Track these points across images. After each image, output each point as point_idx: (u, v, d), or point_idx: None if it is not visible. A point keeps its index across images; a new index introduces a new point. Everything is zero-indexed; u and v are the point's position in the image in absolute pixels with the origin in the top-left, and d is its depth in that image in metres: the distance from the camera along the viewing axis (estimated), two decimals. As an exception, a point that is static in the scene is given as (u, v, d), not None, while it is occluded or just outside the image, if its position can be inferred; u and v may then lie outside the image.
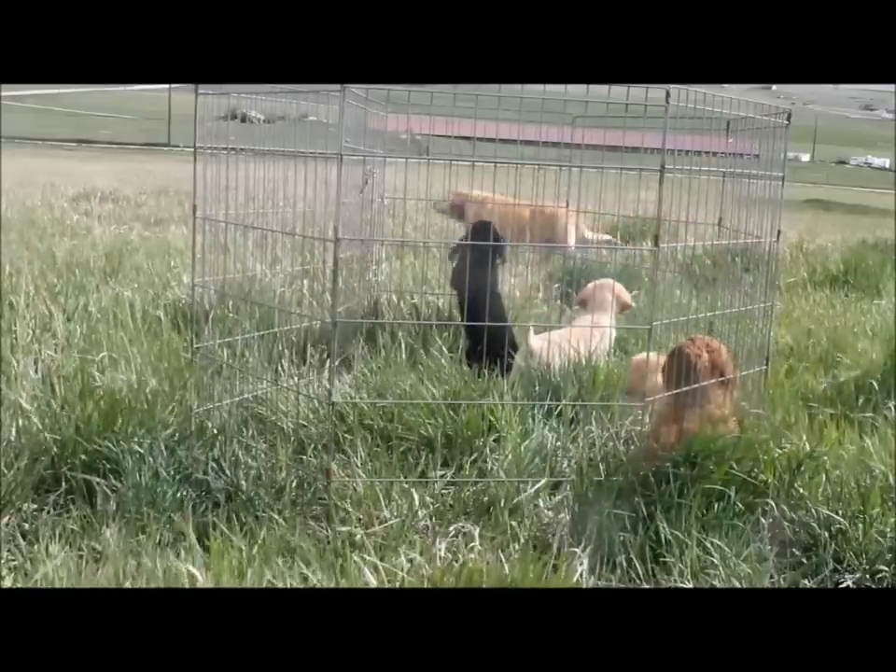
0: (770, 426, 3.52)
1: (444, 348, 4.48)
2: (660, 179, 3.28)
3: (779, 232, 4.02)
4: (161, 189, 16.02)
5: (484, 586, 2.56)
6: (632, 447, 3.51)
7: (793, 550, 2.98)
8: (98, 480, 3.04)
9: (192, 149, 3.62)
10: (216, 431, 3.44)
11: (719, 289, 4.24)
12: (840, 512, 3.04)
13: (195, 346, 3.80)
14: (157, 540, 2.78)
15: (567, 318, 5.38)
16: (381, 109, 4.98)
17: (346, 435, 3.52)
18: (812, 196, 32.61)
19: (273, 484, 3.17)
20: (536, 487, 3.25)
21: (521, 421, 3.63)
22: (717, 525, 2.96)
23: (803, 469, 3.26)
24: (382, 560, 2.72)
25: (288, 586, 2.58)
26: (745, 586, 2.76)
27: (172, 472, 3.09)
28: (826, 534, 2.98)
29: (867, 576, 2.87)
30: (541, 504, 3.24)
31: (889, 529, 2.96)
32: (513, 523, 3.05)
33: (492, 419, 3.60)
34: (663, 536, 2.89)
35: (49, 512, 2.96)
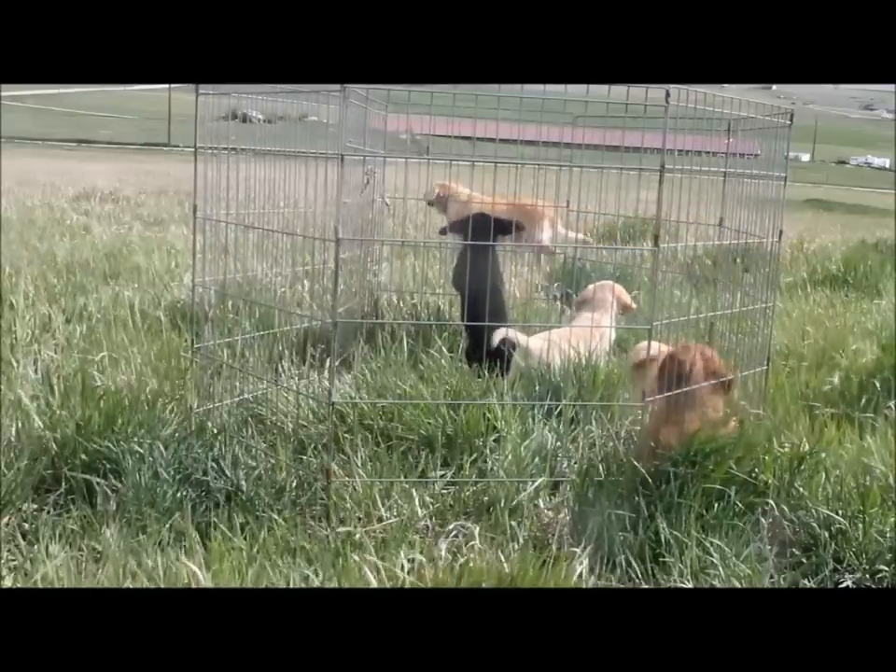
0: (770, 426, 3.52)
1: (444, 348, 4.48)
2: (660, 179, 3.28)
3: (781, 232, 4.02)
4: (161, 189, 16.04)
5: (484, 586, 2.56)
6: (631, 447, 3.50)
7: (793, 550, 2.98)
8: (98, 480, 3.04)
9: (192, 149, 3.62)
10: (216, 431, 3.44)
11: (719, 289, 4.24)
12: (840, 512, 3.04)
13: (195, 346, 3.80)
14: (157, 540, 2.77)
15: (567, 319, 5.38)
16: (381, 109, 4.98)
17: (346, 435, 3.52)
18: (812, 196, 32.64)
19: (274, 484, 3.16)
20: (535, 485, 3.25)
21: (521, 421, 3.63)
22: (717, 525, 2.96)
23: (803, 468, 3.26)
24: (382, 560, 2.72)
25: (289, 586, 2.58)
26: (745, 586, 2.76)
27: (172, 472, 3.08)
28: (826, 534, 2.98)
29: (867, 576, 2.87)
30: (541, 504, 3.24)
31: (888, 529, 2.96)
32: (513, 523, 3.05)
33: (492, 419, 3.60)
34: (662, 536, 2.89)
35: (48, 512, 2.96)
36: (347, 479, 3.26)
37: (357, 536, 2.89)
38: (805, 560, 2.94)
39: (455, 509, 3.19)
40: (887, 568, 2.87)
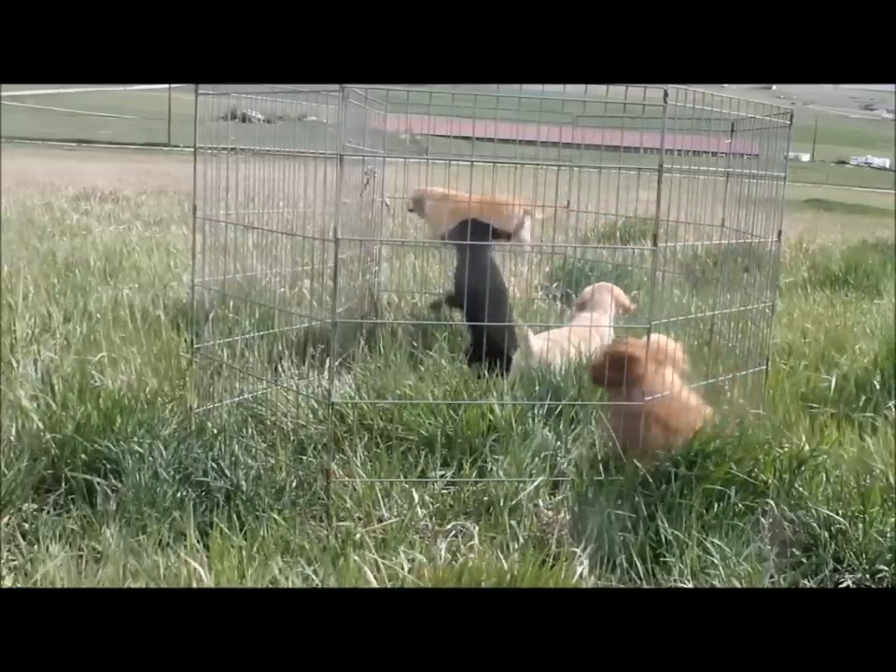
0: (770, 426, 3.52)
1: (445, 348, 4.48)
2: (658, 179, 3.28)
3: (780, 232, 4.02)
4: (160, 189, 16.04)
5: (484, 586, 2.56)
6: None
7: (793, 550, 2.98)
8: (98, 480, 3.04)
9: (192, 149, 3.62)
10: (215, 431, 3.44)
11: (719, 289, 4.24)
12: (840, 512, 3.04)
13: (195, 346, 3.80)
14: (157, 540, 2.78)
15: (566, 319, 5.38)
16: (380, 109, 4.98)
17: (346, 435, 3.53)
18: (812, 196, 32.65)
19: (273, 484, 3.16)
20: (535, 484, 3.25)
21: (521, 421, 3.63)
22: (717, 525, 2.96)
23: (803, 469, 3.26)
24: (382, 560, 2.72)
25: (289, 586, 2.58)
26: (745, 586, 2.76)
27: (172, 472, 3.08)
28: (826, 534, 2.98)
29: (867, 576, 2.87)
30: (541, 504, 3.24)
31: (889, 529, 2.96)
32: (513, 522, 3.05)
33: (492, 419, 3.60)
34: (663, 536, 2.89)
35: (49, 512, 2.96)
36: (347, 479, 3.26)
37: (357, 536, 2.89)
38: (805, 560, 2.94)
39: (454, 509, 3.19)
40: (887, 568, 2.86)
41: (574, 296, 5.53)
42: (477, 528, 2.98)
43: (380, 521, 3.03)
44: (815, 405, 4.32)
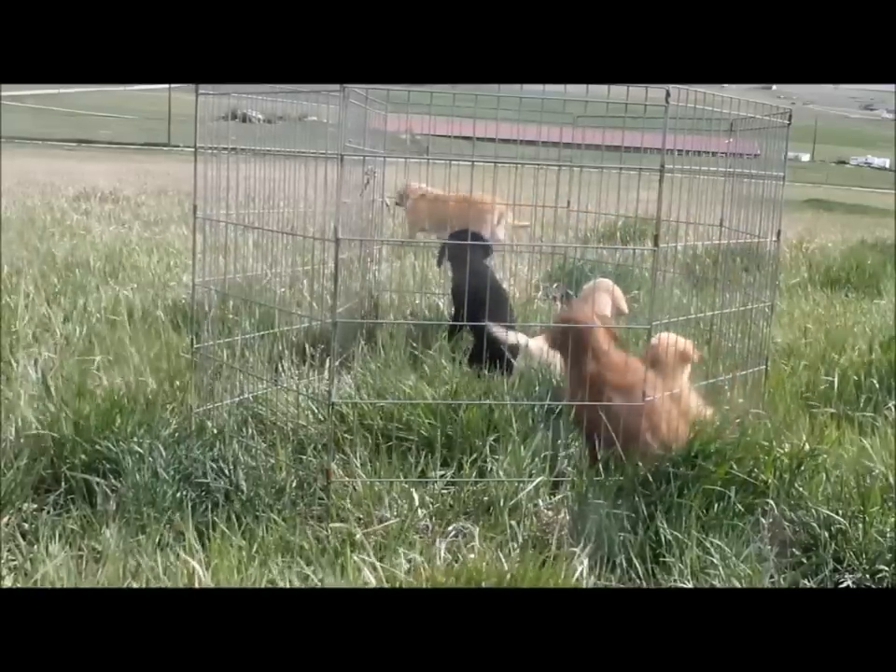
0: (770, 426, 3.52)
1: (445, 347, 4.47)
2: (660, 179, 3.28)
3: (779, 232, 4.02)
4: (160, 189, 16.04)
5: (484, 586, 2.56)
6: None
7: (793, 550, 2.98)
8: (98, 480, 3.04)
9: (192, 149, 3.62)
10: (215, 431, 3.44)
11: (719, 289, 4.24)
12: (840, 512, 3.04)
13: (195, 346, 3.80)
14: (157, 540, 2.77)
15: None
16: (381, 109, 4.98)
17: (346, 435, 3.52)
18: (812, 196, 32.66)
19: (273, 484, 3.16)
20: (535, 484, 3.25)
21: (521, 421, 3.63)
22: (717, 525, 2.96)
23: (803, 468, 3.26)
24: (381, 560, 2.72)
25: (288, 586, 2.58)
26: (745, 586, 2.76)
27: (171, 472, 3.09)
28: (826, 534, 2.98)
29: (867, 576, 2.87)
30: (541, 504, 3.24)
31: (889, 529, 2.96)
32: (513, 522, 3.05)
33: (492, 419, 3.60)
34: (663, 536, 2.89)
35: (48, 512, 2.96)
36: (347, 479, 3.26)
37: (357, 536, 2.89)
38: (805, 560, 2.94)
39: (455, 509, 3.19)
40: (887, 568, 2.86)
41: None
42: (477, 529, 2.98)
43: (380, 521, 3.03)
44: (815, 405, 4.32)
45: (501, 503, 3.16)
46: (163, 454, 3.14)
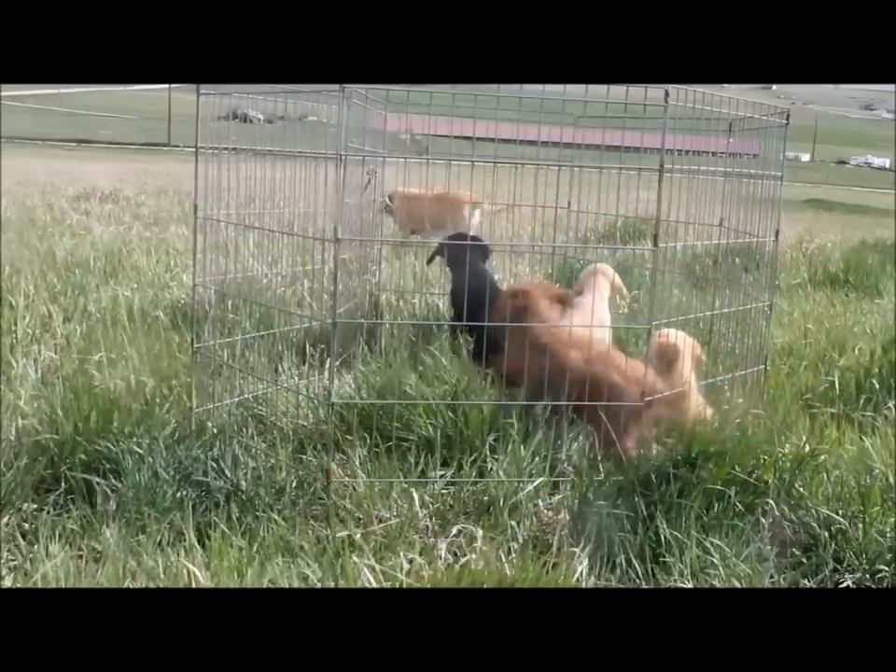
0: (770, 426, 3.52)
1: (446, 346, 4.47)
2: (659, 179, 3.28)
3: (778, 232, 4.02)
4: (160, 189, 16.04)
5: (484, 586, 2.56)
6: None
7: (793, 550, 2.98)
8: (98, 480, 3.04)
9: (192, 149, 3.62)
10: (215, 431, 3.44)
11: (719, 289, 4.24)
12: (840, 512, 3.04)
13: (195, 346, 3.80)
14: (157, 540, 2.78)
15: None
16: (381, 109, 4.98)
17: (346, 435, 3.52)
18: (812, 196, 32.67)
19: (273, 484, 3.16)
20: (535, 485, 3.25)
21: (521, 421, 3.63)
22: (717, 525, 2.96)
23: (803, 468, 3.26)
24: (381, 560, 2.72)
25: (288, 586, 2.58)
26: (745, 586, 2.76)
27: (171, 472, 3.09)
28: (826, 534, 2.98)
29: (867, 576, 2.87)
30: (541, 504, 3.24)
31: (889, 529, 2.96)
32: (513, 523, 3.05)
33: (491, 419, 3.60)
34: (662, 536, 2.89)
35: (48, 512, 2.96)
36: (347, 479, 3.26)
37: (357, 536, 2.89)
38: (805, 560, 2.94)
39: (455, 509, 3.19)
40: (887, 568, 2.86)
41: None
42: (478, 530, 2.98)
43: (380, 521, 3.03)
44: (815, 405, 4.32)
45: (501, 503, 3.16)
46: (163, 453, 3.14)
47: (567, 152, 4.60)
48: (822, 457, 3.32)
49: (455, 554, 2.87)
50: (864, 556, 2.91)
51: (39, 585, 2.53)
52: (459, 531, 3.01)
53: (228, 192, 3.70)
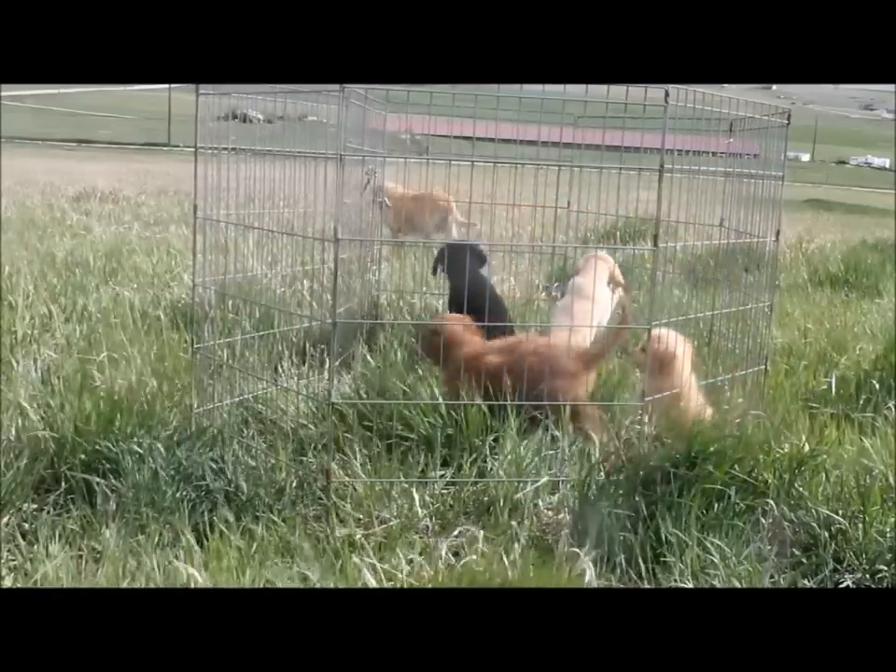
0: (770, 426, 3.52)
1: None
2: (659, 179, 3.28)
3: (778, 232, 4.02)
4: (160, 189, 16.04)
5: (484, 586, 2.56)
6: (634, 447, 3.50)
7: (793, 550, 2.98)
8: (98, 480, 3.04)
9: (192, 149, 3.62)
10: (215, 431, 3.44)
11: (719, 289, 4.24)
12: (840, 512, 3.04)
13: (195, 346, 3.80)
14: (156, 540, 2.77)
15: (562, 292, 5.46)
16: (381, 109, 4.98)
17: (346, 435, 3.52)
18: (812, 196, 32.67)
19: (273, 484, 3.16)
20: (536, 486, 3.25)
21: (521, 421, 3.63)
22: (717, 525, 2.96)
23: (803, 468, 3.26)
24: (381, 560, 2.72)
25: (288, 586, 2.58)
26: (745, 586, 2.76)
27: (171, 472, 3.08)
28: (826, 534, 2.98)
29: (867, 576, 2.87)
30: (541, 504, 3.24)
31: (889, 529, 2.96)
32: (513, 522, 3.05)
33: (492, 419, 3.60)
34: (663, 536, 2.89)
35: (48, 512, 2.95)
36: (347, 479, 3.26)
37: (358, 536, 2.89)
38: (805, 560, 2.94)
39: (455, 509, 3.19)
40: (887, 568, 2.86)
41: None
42: (478, 529, 2.98)
43: (380, 521, 3.03)
44: (815, 405, 4.32)
45: (501, 503, 3.16)
46: (163, 454, 3.14)
47: (567, 152, 4.60)
48: (822, 457, 3.32)
49: (456, 555, 2.87)
50: (864, 556, 2.91)
51: (39, 585, 2.53)
52: (460, 531, 3.01)
53: (227, 192, 3.70)
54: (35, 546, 2.72)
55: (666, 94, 3.22)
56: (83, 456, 3.14)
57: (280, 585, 2.58)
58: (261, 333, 4.24)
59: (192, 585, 2.54)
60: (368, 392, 3.95)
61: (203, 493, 3.10)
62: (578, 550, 2.83)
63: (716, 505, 3.01)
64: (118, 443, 3.15)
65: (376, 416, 3.56)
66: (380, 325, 4.85)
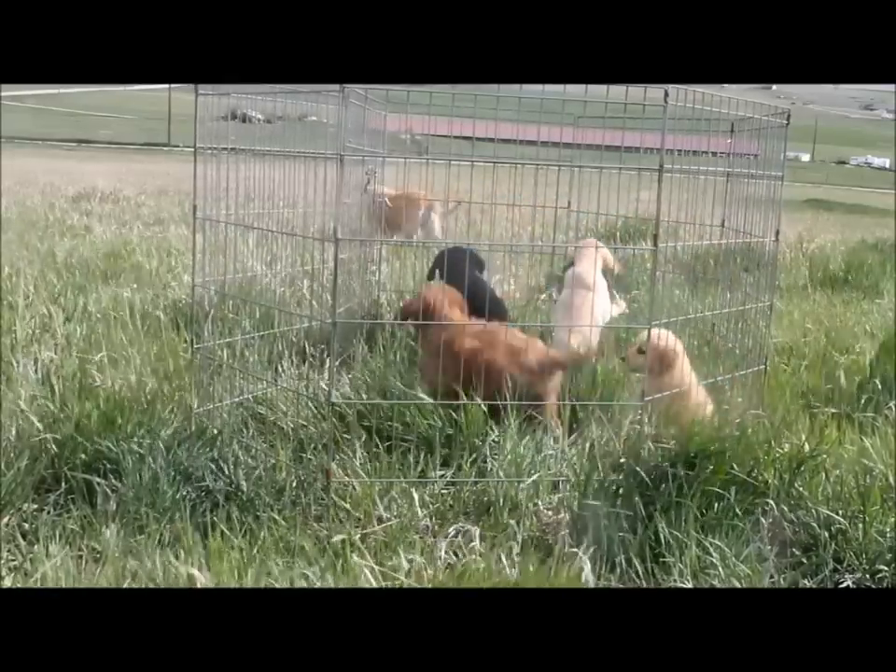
0: (770, 425, 3.52)
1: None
2: (659, 179, 3.28)
3: (778, 232, 4.02)
4: (160, 189, 16.04)
5: (484, 586, 2.56)
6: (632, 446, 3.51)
7: (793, 550, 2.98)
8: (98, 480, 3.04)
9: (192, 149, 3.62)
10: (216, 431, 3.44)
11: (718, 289, 4.24)
12: (840, 512, 3.04)
13: (195, 346, 3.80)
14: (157, 540, 2.77)
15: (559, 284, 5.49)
16: (380, 109, 4.98)
17: (346, 435, 3.52)
18: (812, 196, 32.66)
19: (274, 484, 3.16)
20: (535, 485, 3.25)
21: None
22: (717, 525, 2.96)
23: (803, 469, 3.26)
24: (381, 560, 2.72)
25: (288, 586, 2.58)
26: (745, 586, 2.76)
27: (172, 472, 3.08)
28: (826, 534, 2.98)
29: (867, 576, 2.87)
30: (541, 504, 3.24)
31: (889, 529, 2.96)
32: (513, 522, 3.05)
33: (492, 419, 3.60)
34: (662, 536, 2.89)
35: (49, 512, 2.96)
36: (347, 479, 3.26)
37: (357, 536, 2.89)
38: (805, 560, 2.94)
39: (454, 509, 3.19)
40: (887, 568, 2.86)
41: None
42: (477, 529, 2.98)
43: (380, 521, 3.03)
44: (815, 405, 4.32)
45: (501, 503, 3.16)
46: (164, 454, 3.14)
47: (566, 152, 4.60)
48: (822, 457, 3.32)
49: (455, 555, 2.87)
50: (864, 556, 2.91)
51: (39, 585, 2.53)
52: (459, 531, 3.01)
53: (227, 192, 3.70)
54: (35, 546, 2.72)
55: (666, 94, 3.22)
56: (83, 456, 3.14)
57: (280, 585, 2.58)
58: (261, 333, 4.24)
59: (193, 585, 2.54)
60: (367, 392, 3.95)
61: (203, 493, 3.10)
62: (577, 549, 2.83)
63: (715, 505, 3.01)
64: (118, 443, 3.15)
65: (376, 416, 3.56)
66: (380, 325, 4.85)
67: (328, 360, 3.76)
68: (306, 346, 4.38)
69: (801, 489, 3.20)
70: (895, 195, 33.35)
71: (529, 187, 4.96)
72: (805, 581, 2.87)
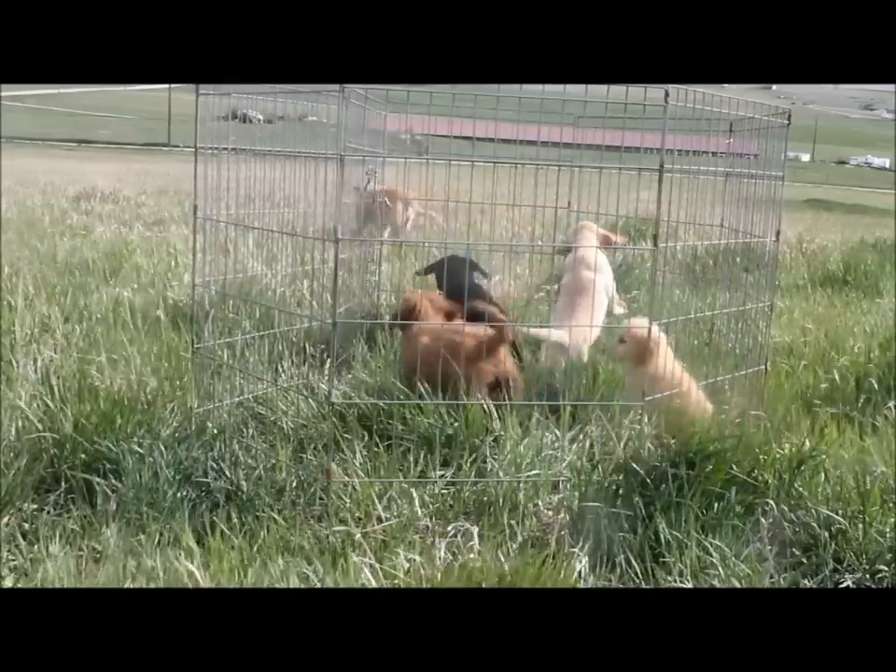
0: (770, 425, 3.52)
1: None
2: (659, 179, 3.28)
3: (778, 232, 4.02)
4: (160, 189, 16.03)
5: (484, 586, 2.56)
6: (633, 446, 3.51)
7: (793, 550, 2.98)
8: (98, 480, 3.04)
9: (192, 149, 3.62)
10: (216, 431, 3.45)
11: (719, 289, 4.24)
12: (840, 512, 3.04)
13: (195, 346, 3.80)
14: (157, 540, 2.78)
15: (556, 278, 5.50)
16: (381, 109, 4.98)
17: (346, 435, 3.52)
18: (812, 196, 32.66)
19: (274, 484, 3.17)
20: (535, 485, 3.25)
21: (520, 421, 3.63)
22: (717, 525, 2.96)
23: (803, 468, 3.26)
24: (381, 560, 2.72)
25: (289, 586, 2.58)
26: (745, 586, 2.76)
27: (172, 472, 3.09)
28: (826, 534, 2.98)
29: (867, 576, 2.87)
30: (540, 504, 3.24)
31: (888, 529, 2.96)
32: (513, 522, 3.05)
33: (492, 419, 3.60)
34: (662, 536, 2.89)
35: (49, 512, 2.96)
36: (347, 479, 3.26)
37: (357, 536, 2.89)
38: (804, 560, 2.94)
39: (454, 509, 3.19)
40: (887, 568, 2.86)
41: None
42: (477, 529, 2.98)
43: (380, 521, 3.03)
44: (815, 405, 4.32)
45: (501, 503, 3.16)
46: (164, 454, 3.14)
47: (566, 152, 4.59)
48: (822, 457, 3.32)
49: (455, 554, 2.87)
50: (864, 556, 2.91)
51: (39, 585, 2.53)
52: (459, 531, 3.01)
53: (227, 192, 3.70)
54: (36, 546, 2.72)
55: (666, 94, 3.22)
56: (83, 456, 3.14)
57: (281, 585, 2.58)
58: (261, 333, 4.24)
59: (193, 585, 2.54)
60: (368, 392, 3.95)
61: (203, 493, 3.10)
62: (577, 549, 2.83)
63: (715, 505, 3.02)
64: (118, 443, 3.15)
65: (376, 416, 3.56)
66: (380, 325, 4.85)
67: (328, 360, 3.76)
68: (306, 346, 4.38)
69: (801, 489, 3.20)
70: (895, 195, 33.36)
71: (529, 187, 4.96)
72: (805, 581, 2.88)
